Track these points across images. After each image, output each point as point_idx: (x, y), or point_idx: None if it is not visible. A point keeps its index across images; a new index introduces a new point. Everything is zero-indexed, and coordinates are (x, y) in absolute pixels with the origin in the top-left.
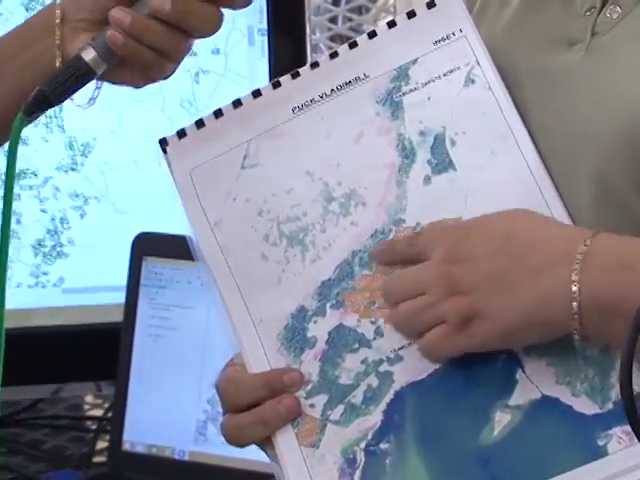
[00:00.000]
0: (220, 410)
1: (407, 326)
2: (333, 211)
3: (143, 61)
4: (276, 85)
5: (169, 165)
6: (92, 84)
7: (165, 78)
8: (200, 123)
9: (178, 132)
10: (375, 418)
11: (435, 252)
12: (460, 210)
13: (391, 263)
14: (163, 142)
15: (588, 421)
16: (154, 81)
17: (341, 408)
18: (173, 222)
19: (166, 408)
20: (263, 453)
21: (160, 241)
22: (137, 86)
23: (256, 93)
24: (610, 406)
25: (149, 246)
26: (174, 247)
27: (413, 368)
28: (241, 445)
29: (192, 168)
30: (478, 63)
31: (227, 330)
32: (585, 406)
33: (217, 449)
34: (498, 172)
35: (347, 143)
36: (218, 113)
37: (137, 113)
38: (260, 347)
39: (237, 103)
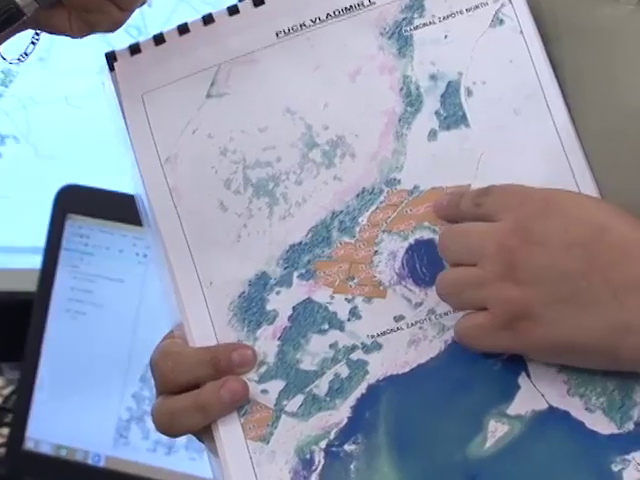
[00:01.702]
0: (147, 409)
1: (450, 297)
2: (314, 160)
3: (83, 2)
4: (258, 3)
5: (116, 86)
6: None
7: (111, 30)
8: (159, 38)
9: (131, 46)
10: (341, 414)
11: (506, 218)
12: (469, 176)
13: (450, 219)
14: (111, 57)
15: (602, 442)
16: (97, 30)
17: (300, 398)
18: (108, 174)
19: (82, 401)
20: (196, 465)
21: (90, 196)
22: (75, 35)
23: (233, 10)
24: (630, 427)
25: (75, 201)
26: (107, 205)
27: (393, 359)
28: (174, 434)
29: (145, 91)
30: (510, 1)
31: (167, 294)
32: (600, 424)
33: (140, 456)
34: (520, 135)
35: (340, 79)
36: (183, 29)
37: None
38: (207, 316)
39: (208, 19)
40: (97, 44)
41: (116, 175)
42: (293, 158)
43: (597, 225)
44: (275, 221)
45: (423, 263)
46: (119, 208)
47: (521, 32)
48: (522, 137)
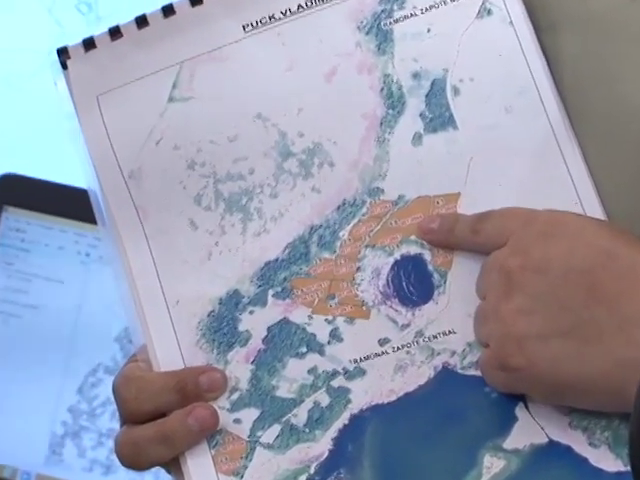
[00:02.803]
0: (85, 424)
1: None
2: (289, 171)
3: None
4: None
5: (69, 85)
6: None
7: None
8: (115, 32)
9: (85, 41)
10: (322, 446)
11: (508, 242)
12: (459, 182)
13: (440, 245)
14: (63, 53)
15: None
16: None
17: (277, 429)
18: (51, 163)
19: (12, 414)
20: None
21: (29, 187)
22: None
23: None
24: None
25: (13, 192)
26: (47, 197)
27: (378, 387)
28: (139, 467)
29: (101, 92)
30: None
31: (130, 315)
32: (605, 460)
33: (74, 475)
34: (513, 135)
35: (314, 81)
36: (141, 21)
37: (12, 11)
38: (173, 337)
39: (168, 10)
40: (42, 19)
41: (60, 165)
42: (267, 169)
43: (603, 250)
44: (249, 238)
45: (410, 281)
46: (61, 201)
47: (511, 22)
48: (515, 137)
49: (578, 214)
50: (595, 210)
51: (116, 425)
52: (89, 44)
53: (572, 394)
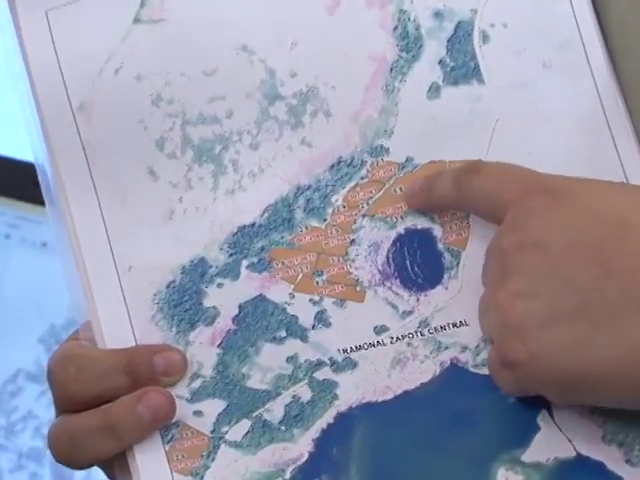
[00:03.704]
0: (2, 442)
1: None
2: (275, 117)
3: None
4: None
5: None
6: None
7: None
8: None
9: None
10: (300, 448)
11: (505, 219)
12: (480, 148)
13: (426, 208)
14: None
15: None
16: None
17: (246, 425)
18: None
19: None
20: None
21: None
22: None
23: None
24: None
25: None
26: None
27: (371, 382)
28: (77, 464)
29: (51, 6)
30: None
31: (71, 284)
32: None
33: None
34: (550, 96)
35: (314, 10)
36: None
37: None
38: (123, 311)
39: None
40: None
41: None
42: (248, 113)
43: (615, 220)
44: (221, 195)
45: (415, 260)
46: None
47: None
48: (552, 98)
49: (589, 179)
50: None
51: (40, 443)
52: None
53: (585, 388)
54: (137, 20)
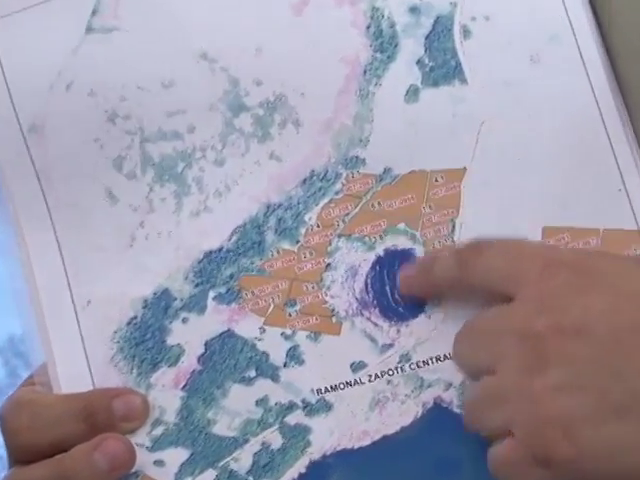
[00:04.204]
0: None
1: (473, 426)
2: (241, 130)
3: None
4: None
5: None
6: None
7: None
8: None
9: None
10: None
11: (521, 295)
12: (465, 155)
13: (425, 294)
14: None
15: None
16: None
17: (211, 475)
18: None
19: None
20: None
21: None
22: None
23: None
24: None
25: None
26: None
27: (348, 427)
28: None
29: None
30: None
31: (26, 322)
32: None
33: None
34: (539, 94)
35: (280, 12)
36: None
37: None
38: (80, 350)
39: None
40: None
41: None
42: (212, 127)
43: None
44: (185, 218)
45: (396, 285)
46: None
47: None
48: (542, 97)
49: (612, 254)
50: None
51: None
52: None
53: None
54: (89, 29)
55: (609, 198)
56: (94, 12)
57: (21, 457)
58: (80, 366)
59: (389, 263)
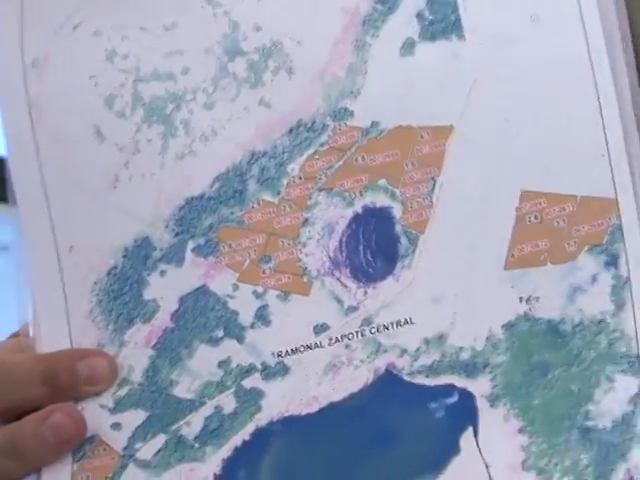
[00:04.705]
0: None
1: None
2: (234, 74)
3: None
4: None
5: None
6: None
7: None
8: None
9: None
10: (207, 469)
11: None
12: (453, 112)
13: None
14: None
15: None
16: None
17: (161, 440)
18: None
19: None
20: None
21: None
22: None
23: None
24: None
25: None
26: None
27: (299, 391)
28: None
29: None
30: None
31: (17, 263)
32: None
33: None
34: (534, 55)
35: None
36: None
37: None
38: (62, 304)
39: None
40: None
41: None
42: (206, 69)
43: None
44: (169, 160)
45: (370, 245)
46: None
47: None
48: (537, 58)
49: None
50: (623, 170)
51: None
52: None
53: None
54: None
55: (591, 164)
56: None
57: None
58: (60, 319)
59: (366, 221)
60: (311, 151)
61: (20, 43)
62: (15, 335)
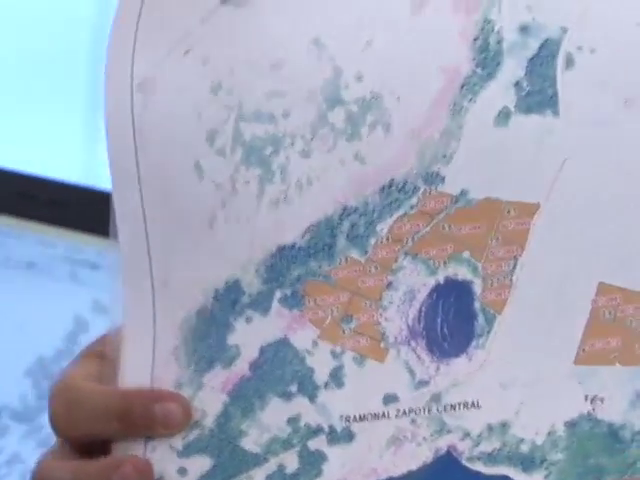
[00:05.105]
0: None
1: None
2: (332, 125)
3: None
4: None
5: None
6: None
7: None
8: None
9: None
10: None
11: None
12: (541, 190)
13: None
14: None
15: None
16: None
17: None
18: None
19: None
20: None
21: None
22: None
23: None
24: None
25: None
26: None
27: (360, 461)
28: None
29: None
30: None
31: (114, 290)
32: None
33: None
34: (627, 140)
35: (399, 7)
36: None
37: None
38: (150, 335)
39: None
40: None
41: None
42: (306, 115)
43: None
44: (265, 206)
45: (448, 318)
46: None
47: None
48: (629, 143)
49: None
50: None
51: None
52: None
53: None
54: (224, 0)
55: None
56: None
57: (59, 436)
58: (146, 352)
59: (447, 293)
60: (401, 213)
61: (131, 62)
62: (89, 352)
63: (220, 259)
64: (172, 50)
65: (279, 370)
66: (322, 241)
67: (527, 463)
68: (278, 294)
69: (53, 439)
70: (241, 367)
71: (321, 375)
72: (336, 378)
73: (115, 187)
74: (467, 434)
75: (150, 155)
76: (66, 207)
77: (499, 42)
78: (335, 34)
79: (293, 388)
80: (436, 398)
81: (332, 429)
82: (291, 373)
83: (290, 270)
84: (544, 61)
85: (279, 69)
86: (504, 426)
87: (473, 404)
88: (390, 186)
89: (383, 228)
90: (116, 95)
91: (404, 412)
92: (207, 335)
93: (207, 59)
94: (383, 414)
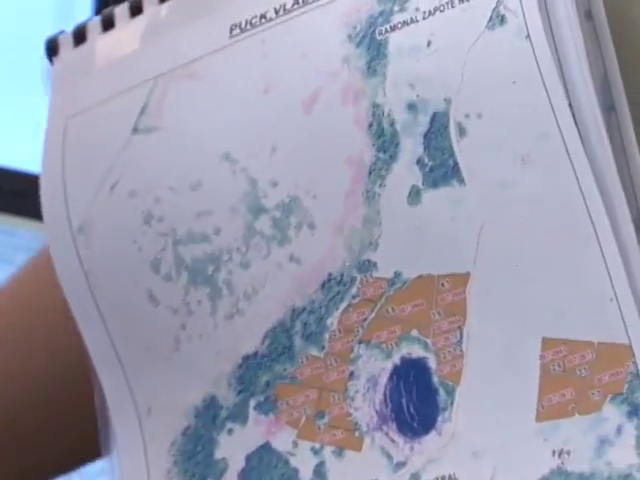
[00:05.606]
0: None
1: None
2: (262, 232)
3: None
4: None
5: (51, 91)
6: None
7: None
8: (79, 35)
9: (74, 32)
10: None
11: None
12: (467, 259)
13: None
14: (53, 44)
15: None
16: None
17: None
18: None
19: None
20: None
21: None
22: None
23: None
24: None
25: None
26: None
27: None
28: None
29: (73, 113)
30: None
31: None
32: None
33: None
34: (530, 198)
35: (292, 110)
36: (106, 21)
37: None
38: (143, 463)
39: (135, 7)
40: None
41: None
42: (235, 229)
43: None
44: (220, 321)
45: (411, 398)
46: None
47: (528, 36)
48: (532, 201)
49: None
50: (633, 314)
51: None
52: (79, 36)
53: None
54: (136, 129)
55: (602, 308)
56: (143, 110)
57: None
58: (141, 478)
59: (405, 373)
60: (345, 304)
61: (65, 207)
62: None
63: (193, 378)
64: (100, 188)
65: (267, 475)
66: (281, 344)
67: None
68: (252, 402)
69: None
70: (231, 479)
71: (306, 473)
72: (320, 474)
73: (83, 329)
74: None
75: (105, 293)
76: (29, 197)
77: (392, 124)
78: (242, 146)
79: None
80: (415, 477)
81: None
82: (278, 477)
83: (258, 377)
84: (438, 134)
85: (199, 189)
86: None
87: (450, 477)
88: (329, 280)
89: (333, 322)
90: (60, 242)
91: None
92: (195, 453)
93: (133, 192)
94: None
